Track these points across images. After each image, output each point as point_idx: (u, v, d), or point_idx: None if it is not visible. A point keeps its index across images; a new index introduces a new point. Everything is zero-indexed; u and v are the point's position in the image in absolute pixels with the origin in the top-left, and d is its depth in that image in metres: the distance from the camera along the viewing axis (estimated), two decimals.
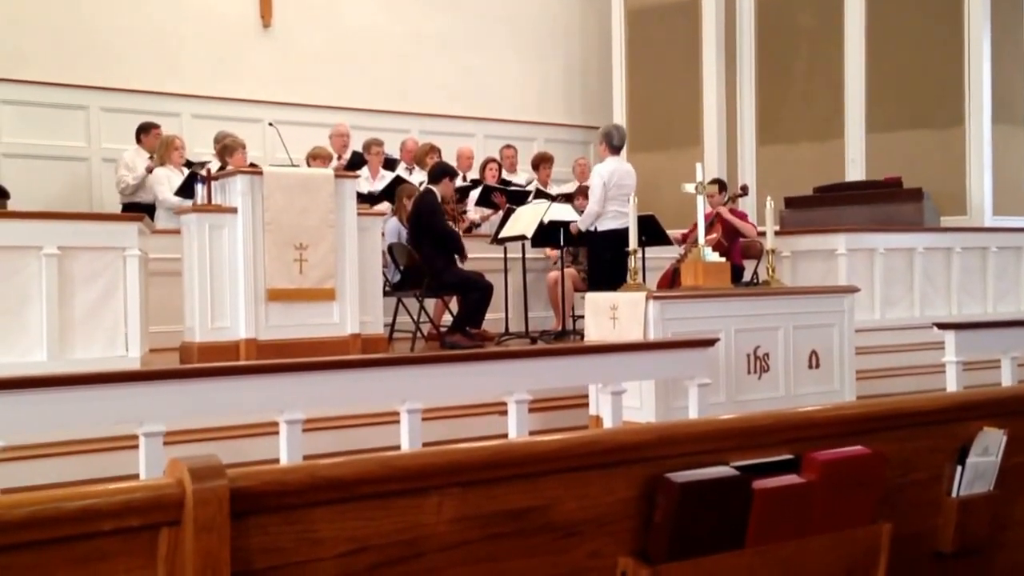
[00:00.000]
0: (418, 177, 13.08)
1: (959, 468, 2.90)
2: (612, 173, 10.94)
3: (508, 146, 15.06)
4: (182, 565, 1.88)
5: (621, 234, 10.53)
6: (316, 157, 12.26)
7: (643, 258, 11.18)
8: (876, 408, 2.80)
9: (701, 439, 2.50)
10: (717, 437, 2.52)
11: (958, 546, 2.89)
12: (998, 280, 13.63)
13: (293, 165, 11.59)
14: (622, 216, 10.68)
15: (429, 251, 10.74)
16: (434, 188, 11.14)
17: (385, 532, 2.10)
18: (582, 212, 11.38)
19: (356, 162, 13.12)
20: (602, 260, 10.91)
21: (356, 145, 13.74)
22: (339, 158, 13.21)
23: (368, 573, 2.09)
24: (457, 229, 12.03)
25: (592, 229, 11.02)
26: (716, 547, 2.42)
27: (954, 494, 2.90)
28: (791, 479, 2.52)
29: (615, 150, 11.11)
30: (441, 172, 11.39)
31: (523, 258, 12.16)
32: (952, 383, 8.41)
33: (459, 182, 13.11)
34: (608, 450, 2.37)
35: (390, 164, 13.77)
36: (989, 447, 2.90)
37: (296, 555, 2.02)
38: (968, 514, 2.89)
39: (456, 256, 11.12)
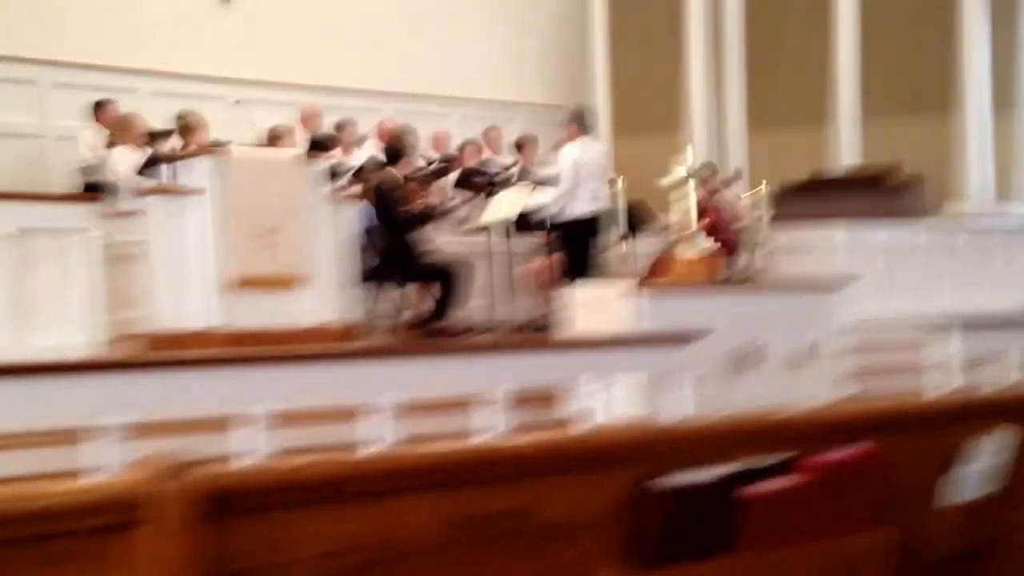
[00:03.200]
0: None
1: (963, 471, 2.92)
2: (582, 154, 10.90)
3: (493, 128, 15.03)
4: (153, 566, 1.89)
5: (597, 217, 10.54)
6: (278, 137, 12.13)
7: (631, 247, 11.18)
8: (876, 409, 2.82)
9: (692, 441, 2.52)
10: (709, 439, 2.54)
11: (960, 551, 2.91)
12: (1002, 269, 13.67)
13: (262, 145, 11.55)
14: (597, 199, 10.69)
15: (396, 238, 10.70)
16: (392, 170, 11.06)
17: (364, 534, 2.11)
18: None
19: (317, 142, 12.98)
20: (581, 245, 10.88)
21: (325, 126, 13.67)
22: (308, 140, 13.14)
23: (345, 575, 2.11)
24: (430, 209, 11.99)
25: (569, 214, 10.94)
26: (705, 553, 2.44)
27: (957, 498, 2.92)
28: (786, 482, 2.54)
29: (584, 130, 11.07)
30: (394, 152, 11.29)
31: (507, 245, 12.12)
32: (956, 379, 8.44)
33: (431, 163, 13.06)
34: (595, 452, 2.38)
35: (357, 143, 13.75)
36: (994, 450, 2.92)
37: (270, 557, 2.03)
38: (971, 518, 2.91)
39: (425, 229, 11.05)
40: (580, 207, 10.81)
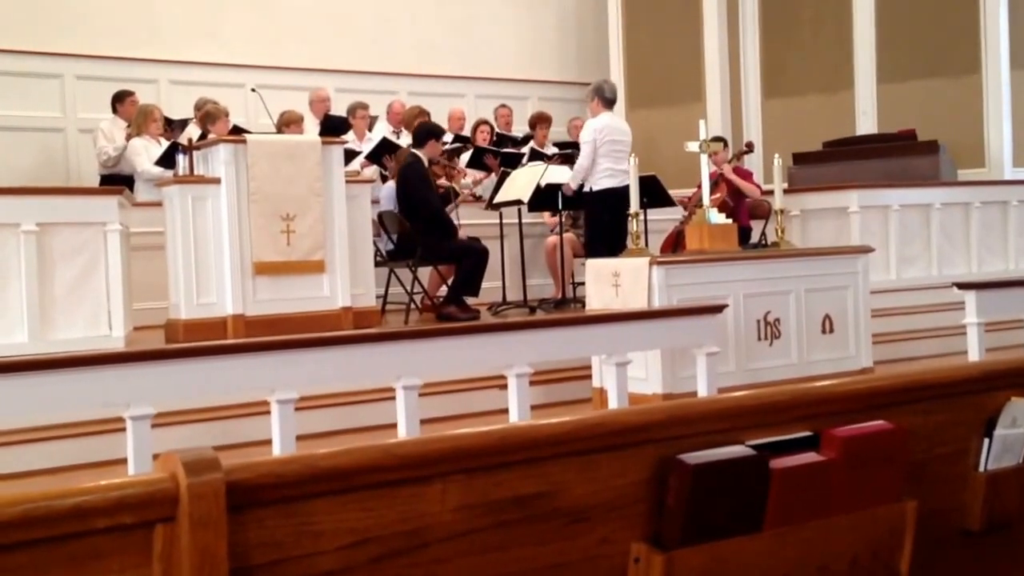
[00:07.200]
0: (406, 140, 13.05)
1: (986, 441, 2.88)
2: (605, 128, 10.84)
3: (503, 105, 15.05)
4: (178, 562, 1.88)
5: (617, 193, 10.48)
6: (289, 123, 12.14)
7: (645, 221, 11.15)
8: (898, 381, 2.78)
9: (714, 417, 2.49)
10: (731, 415, 2.51)
11: (986, 523, 2.88)
12: (1019, 235, 13.61)
13: (278, 132, 11.58)
14: (619, 174, 10.64)
15: (421, 221, 10.69)
16: (419, 152, 11.05)
17: (388, 523, 2.10)
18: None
19: (331, 126, 13.02)
20: (599, 222, 10.85)
21: (340, 110, 13.70)
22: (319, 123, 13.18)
23: (371, 565, 2.09)
24: (455, 186, 11.98)
25: (588, 189, 10.93)
26: (733, 530, 2.42)
27: (981, 469, 2.88)
28: (810, 457, 2.52)
29: (608, 104, 11.00)
30: (425, 134, 11.25)
31: (520, 223, 12.13)
32: (974, 346, 8.39)
33: (445, 143, 13.07)
34: (618, 431, 2.36)
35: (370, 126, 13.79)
36: (1018, 418, 2.89)
37: (296, 549, 2.02)
38: (996, 489, 2.88)
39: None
40: (601, 182, 10.76)
